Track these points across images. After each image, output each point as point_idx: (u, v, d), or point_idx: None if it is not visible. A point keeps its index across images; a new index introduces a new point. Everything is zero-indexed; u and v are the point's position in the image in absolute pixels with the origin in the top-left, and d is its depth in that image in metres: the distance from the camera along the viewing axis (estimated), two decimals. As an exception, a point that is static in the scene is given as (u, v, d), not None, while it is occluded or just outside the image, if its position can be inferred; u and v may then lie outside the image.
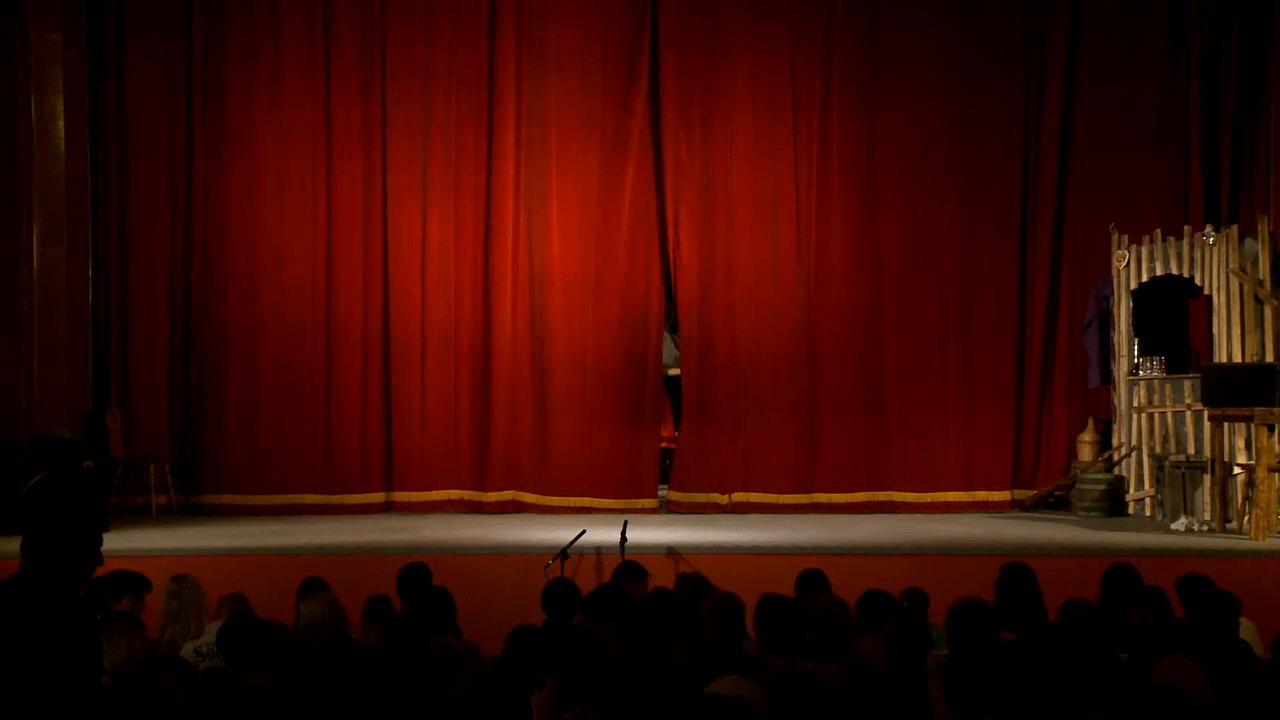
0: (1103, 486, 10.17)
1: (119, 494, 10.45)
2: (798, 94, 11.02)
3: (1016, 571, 5.60)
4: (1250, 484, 9.01)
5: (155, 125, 11.02)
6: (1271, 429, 8.66)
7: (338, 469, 10.92)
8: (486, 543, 8.95)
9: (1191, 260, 10.18)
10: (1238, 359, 9.81)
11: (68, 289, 10.54)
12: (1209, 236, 10.10)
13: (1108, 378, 10.61)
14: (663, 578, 7.37)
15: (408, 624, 5.24)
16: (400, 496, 10.97)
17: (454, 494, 10.93)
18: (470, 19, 11.06)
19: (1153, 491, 10.03)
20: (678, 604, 5.34)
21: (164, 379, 10.97)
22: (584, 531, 8.18)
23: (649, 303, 10.99)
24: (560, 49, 10.99)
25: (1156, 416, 10.16)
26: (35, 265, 10.29)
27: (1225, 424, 9.19)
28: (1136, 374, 10.33)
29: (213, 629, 5.47)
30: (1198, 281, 10.17)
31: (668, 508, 10.86)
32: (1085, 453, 10.65)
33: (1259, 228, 9.91)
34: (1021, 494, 10.87)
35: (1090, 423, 10.73)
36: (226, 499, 10.82)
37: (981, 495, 10.85)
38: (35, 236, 10.30)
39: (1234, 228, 10.01)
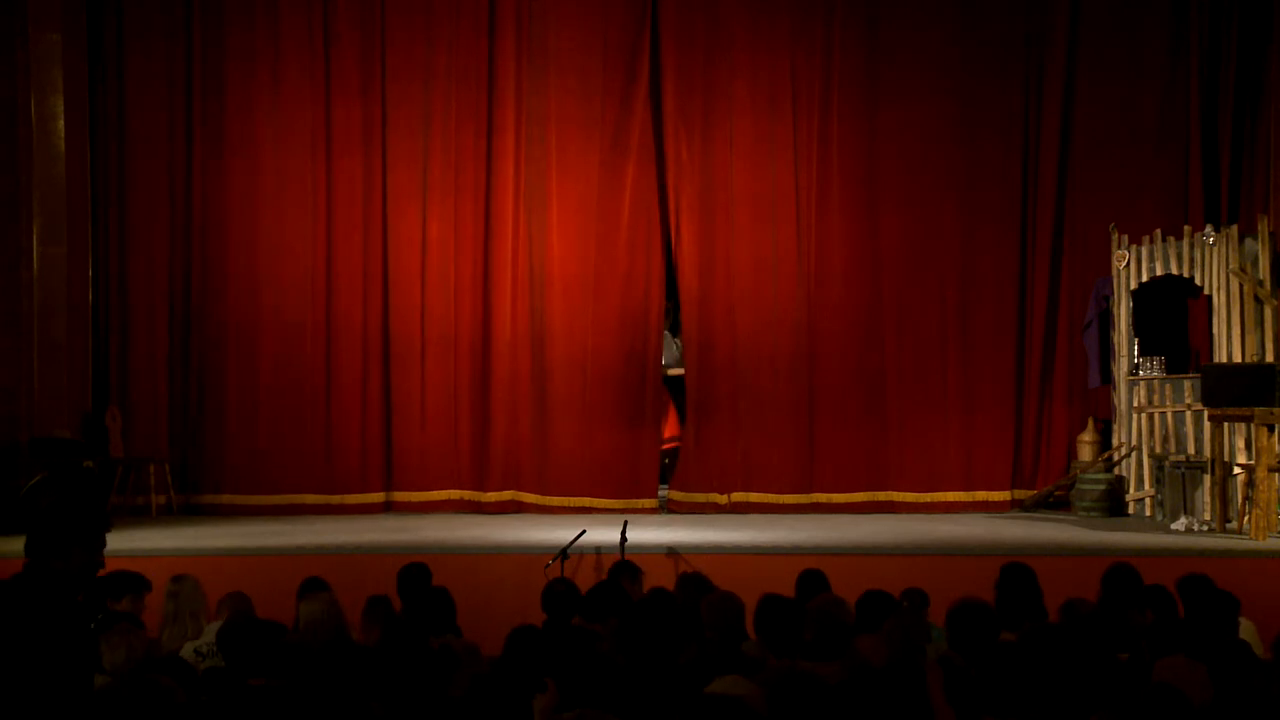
0: (1103, 486, 10.17)
1: (119, 494, 10.45)
2: (798, 94, 11.02)
3: (1016, 571, 5.60)
4: (1250, 484, 9.01)
5: (155, 125, 11.01)
6: (1271, 429, 8.66)
7: (338, 469, 10.92)
8: (486, 543, 8.95)
9: (1191, 260, 10.18)
10: (1238, 359, 9.81)
11: (68, 289, 10.54)
12: (1209, 236, 10.09)
13: (1108, 378, 10.61)
14: (663, 578, 7.37)
15: (408, 624, 5.24)
16: (400, 496, 10.97)
17: (454, 494, 10.92)
18: (470, 19, 11.06)
19: (1153, 491, 10.03)
20: (677, 604, 5.35)
21: (164, 379, 10.97)
22: (584, 531, 8.18)
23: (649, 303, 10.99)
24: (560, 49, 10.98)
25: (1156, 416, 10.16)
26: (35, 265, 10.29)
27: (1225, 424, 9.19)
28: (1136, 374, 10.33)
29: (213, 629, 5.47)
30: (1198, 281, 10.17)
31: (669, 507, 10.86)
32: (1085, 453, 10.65)
33: (1259, 228, 9.91)
34: (1021, 494, 10.87)
35: (1090, 423, 10.73)
36: (226, 499, 10.82)
37: (981, 495, 10.85)
38: (35, 236, 10.30)
39: (1234, 228, 10.01)
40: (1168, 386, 10.15)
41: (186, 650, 5.46)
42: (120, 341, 10.99)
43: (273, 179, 11.03)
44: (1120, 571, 5.71)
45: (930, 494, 10.82)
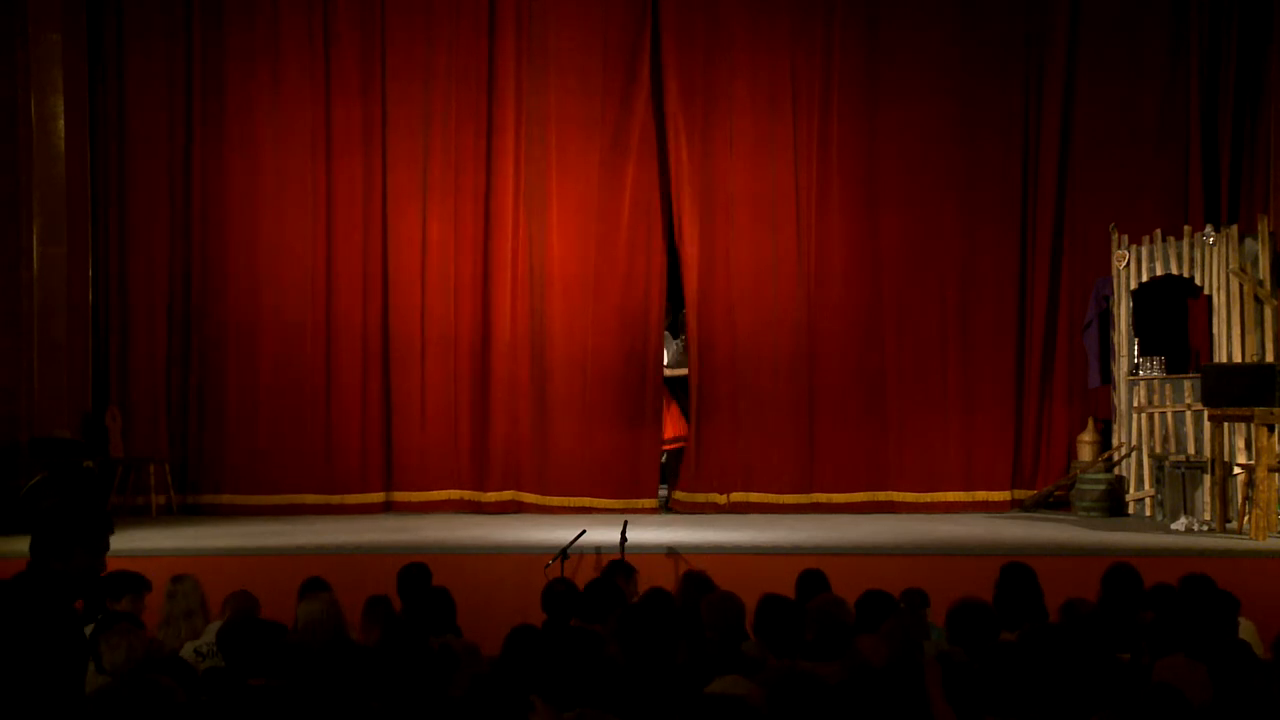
0: (1103, 486, 10.17)
1: (119, 494, 10.45)
2: (798, 94, 11.02)
3: (1016, 571, 5.60)
4: (1250, 484, 9.01)
5: (155, 125, 11.01)
6: (1271, 429, 8.66)
7: (338, 469, 10.92)
8: (486, 543, 8.94)
9: (1191, 260, 10.18)
10: (1238, 359, 9.81)
11: (68, 289, 10.54)
12: (1209, 236, 10.09)
13: (1108, 378, 10.61)
14: (663, 578, 7.37)
15: (408, 624, 5.24)
16: (400, 496, 10.97)
17: (454, 494, 10.92)
18: (470, 19, 11.06)
19: (1153, 491, 10.03)
20: (675, 604, 5.35)
21: (164, 379, 10.97)
22: (584, 531, 8.18)
23: (649, 303, 10.99)
24: (560, 49, 10.99)
25: (1156, 416, 10.16)
26: (35, 265, 10.29)
27: (1225, 424, 9.19)
28: (1136, 374, 10.33)
29: (213, 629, 5.48)
30: (1198, 281, 10.17)
31: (673, 508, 10.86)
32: (1085, 453, 10.65)
33: (1259, 228, 9.91)
34: (1021, 494, 10.87)
35: (1090, 423, 10.73)
36: (226, 499, 10.82)
37: (981, 495, 10.85)
38: (35, 236, 10.30)
39: (1234, 228, 10.02)
40: (1168, 386, 10.15)
41: (186, 650, 5.46)
42: (120, 341, 10.98)
43: (273, 179, 11.02)
44: (1120, 571, 5.71)
45: (930, 494, 10.82)
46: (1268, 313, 9.82)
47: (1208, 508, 9.28)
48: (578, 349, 10.95)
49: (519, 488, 10.88)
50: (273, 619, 5.08)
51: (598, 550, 8.18)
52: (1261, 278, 9.84)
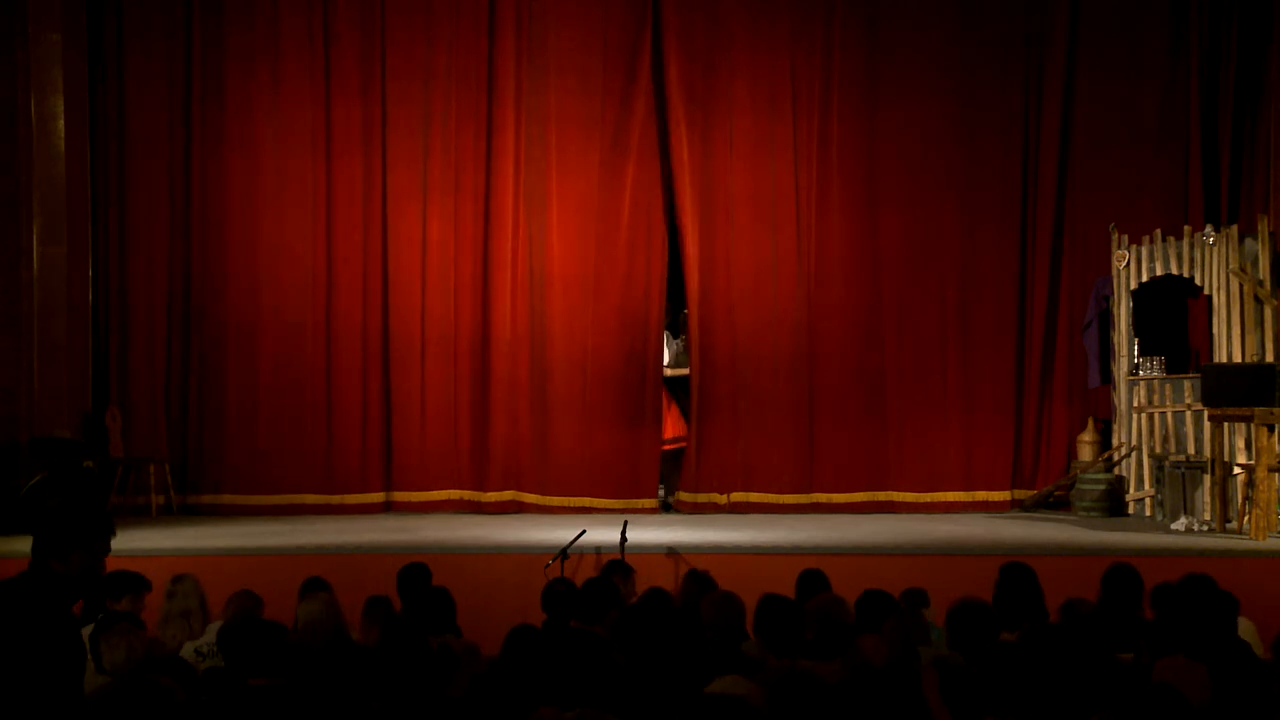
0: (1103, 486, 10.17)
1: (119, 494, 10.45)
2: (798, 94, 11.02)
3: (1016, 571, 5.60)
4: (1250, 484, 9.01)
5: (155, 125, 11.01)
6: (1271, 429, 8.66)
7: (338, 469, 10.92)
8: (486, 543, 8.94)
9: (1191, 260, 10.18)
10: (1238, 359, 9.81)
11: (68, 289, 10.54)
12: (1209, 236, 10.09)
13: (1108, 378, 10.61)
14: (663, 578, 7.38)
15: (408, 624, 5.24)
16: (400, 496, 10.97)
17: (454, 494, 10.93)
18: (470, 19, 11.06)
19: (1153, 491, 10.03)
20: (674, 604, 5.35)
21: (164, 379, 10.96)
22: (584, 531, 8.18)
23: (649, 303, 10.99)
24: (560, 49, 10.99)
25: (1156, 416, 10.16)
26: (35, 265, 10.29)
27: (1225, 424, 9.19)
28: (1136, 374, 10.33)
29: (213, 629, 5.48)
30: (1198, 281, 10.17)
31: (675, 507, 10.86)
32: (1085, 453, 10.65)
33: (1259, 228, 9.91)
34: (1021, 494, 10.87)
35: (1090, 423, 10.73)
36: (226, 499, 10.82)
37: (981, 495, 10.85)
38: (35, 236, 10.30)
39: (1234, 228, 10.02)
40: (1168, 386, 10.15)
41: (186, 650, 5.46)
42: (120, 341, 10.98)
43: (273, 179, 11.02)
44: (1120, 571, 5.70)
45: (930, 494, 10.82)
46: (1268, 313, 9.82)
47: (1208, 508, 9.28)
48: (578, 349, 10.95)
49: (519, 488, 10.89)
50: (273, 619, 5.08)
51: (598, 550, 8.18)
52: (1261, 278, 9.84)
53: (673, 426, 11.15)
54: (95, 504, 9.39)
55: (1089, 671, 4.23)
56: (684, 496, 10.90)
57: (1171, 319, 10.71)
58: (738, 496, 10.83)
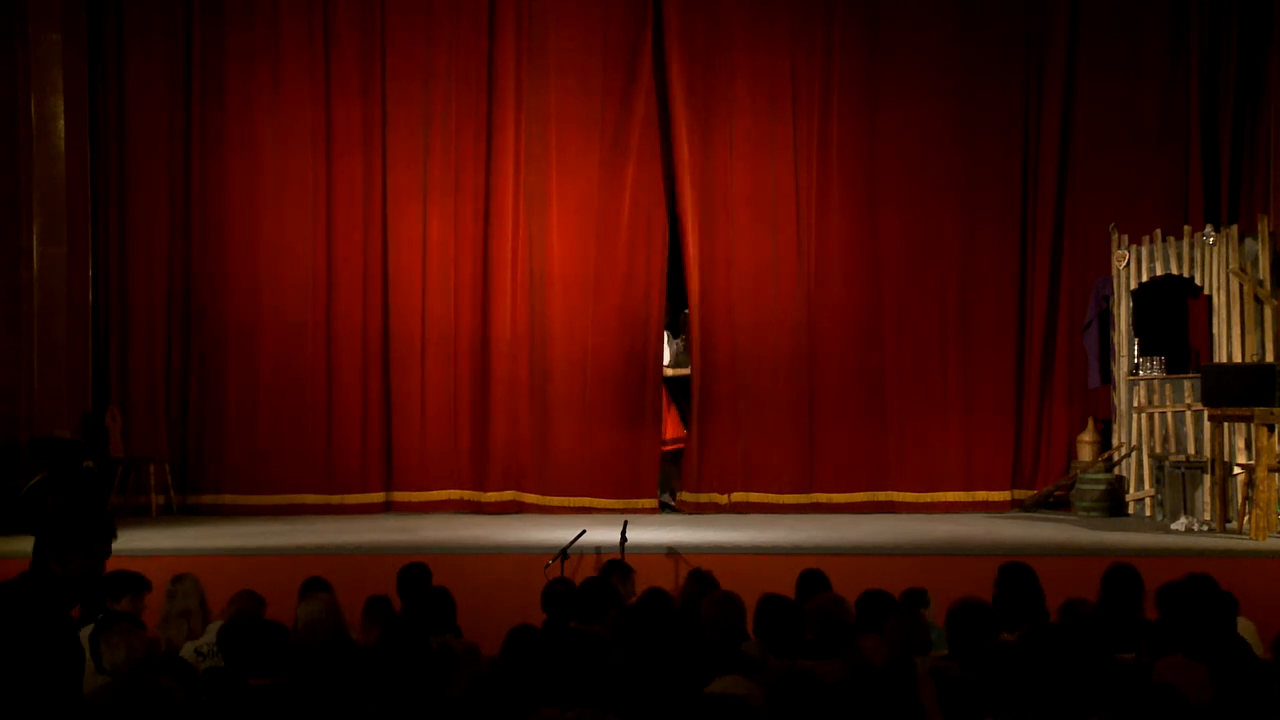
0: (1103, 486, 10.17)
1: (119, 494, 10.45)
2: (798, 94, 11.02)
3: (1016, 571, 5.60)
4: (1250, 484, 9.01)
5: (155, 125, 11.01)
6: (1271, 429, 8.66)
7: (338, 469, 10.92)
8: (486, 543, 8.95)
9: (1191, 260, 10.18)
10: (1238, 359, 9.81)
11: (68, 289, 10.54)
12: (1209, 236, 10.09)
13: (1108, 378, 10.61)
14: (663, 578, 7.38)
15: (408, 624, 5.24)
16: (400, 496, 10.97)
17: (454, 494, 10.93)
18: (470, 19, 11.06)
19: (1153, 491, 10.03)
20: (674, 604, 5.35)
21: (164, 379, 10.96)
22: (584, 531, 8.18)
23: (649, 303, 10.99)
24: (560, 49, 10.99)
25: (1156, 416, 10.16)
26: (35, 265, 10.29)
27: (1225, 424, 9.19)
28: (1136, 374, 10.33)
29: (213, 629, 5.47)
30: (1198, 281, 10.17)
31: (677, 507, 10.87)
32: (1085, 453, 10.65)
33: (1259, 228, 9.91)
34: (1021, 494, 10.87)
35: (1090, 423, 10.73)
36: (226, 499, 10.82)
37: (981, 495, 10.85)
38: (35, 236, 10.31)
39: (1234, 228, 10.02)
40: (1168, 386, 10.15)
41: (186, 650, 5.46)
42: (120, 341, 10.98)
43: (273, 179, 11.02)
44: (1120, 571, 5.70)
45: (930, 494, 10.82)
46: (1268, 313, 9.82)
47: (1208, 508, 9.28)
48: (578, 349, 10.95)
49: (519, 488, 10.89)
50: (273, 619, 5.08)
51: (598, 550, 8.18)
52: (1261, 278, 9.84)
53: (672, 427, 11.15)
54: (96, 506, 9.40)
55: (1089, 671, 4.23)
56: (686, 496, 10.90)
57: (1171, 319, 10.71)
58: (738, 496, 10.83)
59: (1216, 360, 9.94)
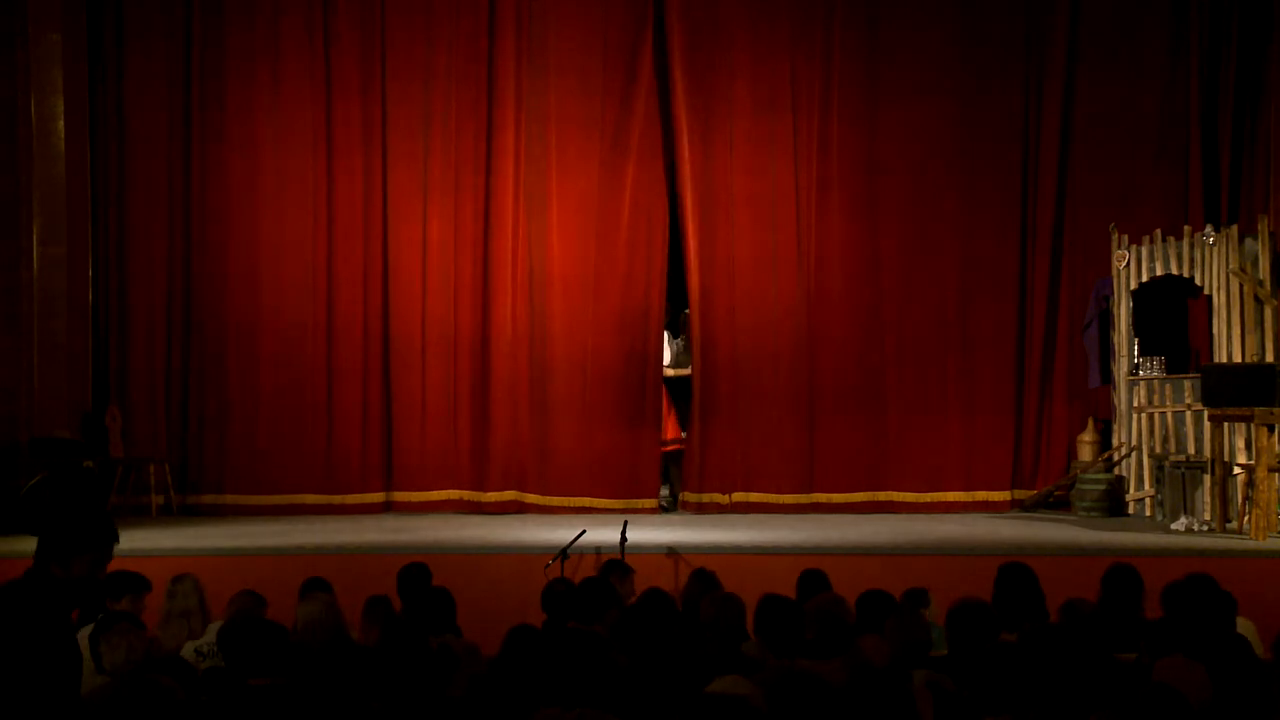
0: (1103, 486, 10.17)
1: (119, 494, 10.44)
2: (798, 94, 11.02)
3: (1016, 571, 5.60)
4: (1250, 484, 9.01)
5: (155, 125, 11.01)
6: (1271, 429, 8.66)
7: (338, 469, 10.92)
8: (486, 543, 8.95)
9: (1191, 260, 10.18)
10: (1238, 359, 9.81)
11: (68, 289, 10.54)
12: (1209, 236, 10.09)
13: (1108, 378, 10.61)
14: (663, 578, 7.38)
15: (408, 624, 5.24)
16: (400, 496, 10.97)
17: (454, 494, 10.92)
18: (470, 19, 11.06)
19: (1153, 491, 10.03)
20: (674, 603, 5.35)
21: (164, 379, 10.96)
22: (584, 531, 8.18)
23: (649, 303, 10.99)
24: (560, 49, 10.98)
25: (1156, 416, 10.16)
26: (35, 265, 10.29)
27: (1225, 424, 9.19)
28: (1136, 374, 10.33)
29: (213, 629, 5.48)
30: (1198, 281, 10.17)
31: (681, 508, 10.87)
32: (1085, 453, 10.65)
33: (1259, 228, 9.91)
34: (1021, 494, 10.87)
35: (1090, 423, 10.73)
36: (227, 499, 10.82)
37: (981, 495, 10.85)
38: (35, 236, 10.31)
39: (1234, 228, 10.01)
40: (1168, 386, 10.15)
41: (187, 650, 5.46)
42: (120, 341, 10.98)
43: (273, 179, 11.02)
44: (1120, 571, 5.70)
45: (930, 494, 10.82)
46: (1268, 313, 9.82)
47: (1208, 508, 9.27)
48: (578, 349, 10.95)
49: (519, 488, 10.88)
50: (273, 619, 5.08)
51: (598, 550, 8.18)
52: (1261, 278, 9.84)
53: (671, 428, 11.16)
54: (99, 510, 9.39)
55: (1089, 671, 4.23)
56: (688, 496, 10.90)
57: (1171, 319, 10.71)
58: (739, 496, 10.84)
59: (1216, 360, 9.94)
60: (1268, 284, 9.82)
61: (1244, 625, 5.45)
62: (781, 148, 10.99)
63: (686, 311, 11.17)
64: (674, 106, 10.96)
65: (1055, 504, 10.70)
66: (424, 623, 5.27)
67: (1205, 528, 9.12)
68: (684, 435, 11.10)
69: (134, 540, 8.37)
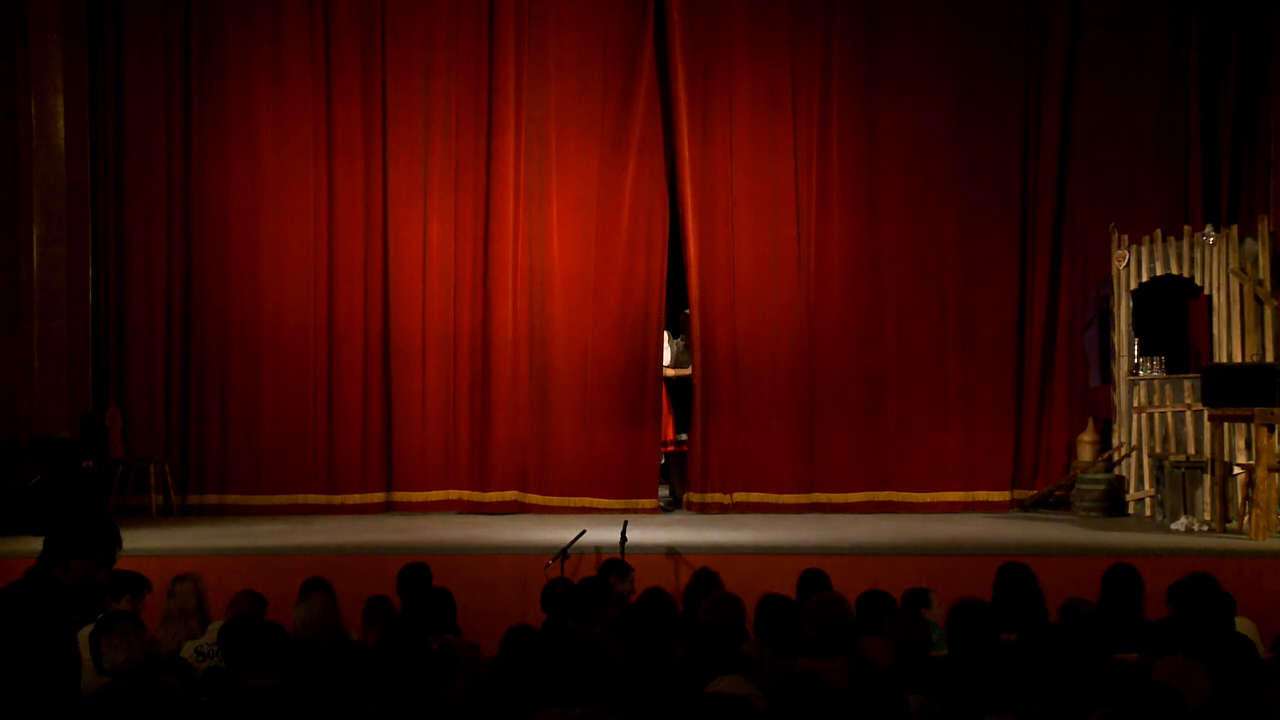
0: (1103, 486, 10.17)
1: (119, 494, 10.44)
2: (797, 94, 11.02)
3: (1016, 571, 5.61)
4: (1250, 484, 9.01)
5: (155, 125, 11.00)
6: (1271, 429, 8.65)
7: (338, 469, 10.92)
8: (486, 543, 8.94)
9: (1191, 260, 10.18)
10: (1238, 359, 9.81)
11: (68, 289, 10.54)
12: (1209, 236, 10.09)
13: (1108, 378, 10.61)
14: (663, 578, 7.38)
15: (408, 624, 5.24)
16: (400, 497, 10.96)
17: (454, 494, 10.92)
18: (470, 19, 11.05)
19: (1153, 491, 10.03)
20: (673, 603, 5.35)
21: (164, 379, 10.96)
22: (584, 531, 8.17)
23: (649, 303, 10.99)
24: (560, 49, 10.99)
25: (1156, 416, 10.16)
26: (35, 265, 10.29)
27: (1225, 424, 9.18)
28: (1136, 374, 10.33)
29: (213, 629, 5.48)
30: (1198, 281, 10.17)
31: (685, 508, 10.87)
32: (1085, 453, 10.65)
33: (1259, 228, 9.91)
34: (1021, 494, 10.87)
35: (1090, 423, 10.73)
36: (227, 499, 10.81)
37: (981, 495, 10.85)
38: (35, 236, 10.30)
39: (1234, 228, 10.01)
40: (1168, 386, 10.15)
41: (187, 650, 5.46)
42: (120, 341, 10.98)
43: (273, 179, 11.02)
44: (1120, 571, 5.71)
45: (930, 494, 10.82)
46: (1268, 313, 9.82)
47: (1208, 508, 9.27)
48: (578, 349, 10.95)
49: (519, 488, 10.88)
50: (273, 619, 5.09)
51: (598, 550, 8.18)
52: (1261, 278, 9.84)
53: (671, 429, 11.16)
54: (102, 512, 9.39)
55: (1089, 671, 4.23)
56: (691, 496, 10.90)
57: (1171, 319, 10.70)
58: (740, 496, 10.83)
59: (1216, 360, 9.93)
60: (1268, 284, 9.81)
61: (1244, 625, 5.45)
62: (782, 148, 10.99)
63: (686, 311, 11.17)
64: (674, 106, 10.96)
65: (1055, 504, 10.71)
66: (424, 623, 5.27)
67: (1205, 528, 9.12)
68: (684, 435, 11.11)
69: (134, 540, 8.31)
